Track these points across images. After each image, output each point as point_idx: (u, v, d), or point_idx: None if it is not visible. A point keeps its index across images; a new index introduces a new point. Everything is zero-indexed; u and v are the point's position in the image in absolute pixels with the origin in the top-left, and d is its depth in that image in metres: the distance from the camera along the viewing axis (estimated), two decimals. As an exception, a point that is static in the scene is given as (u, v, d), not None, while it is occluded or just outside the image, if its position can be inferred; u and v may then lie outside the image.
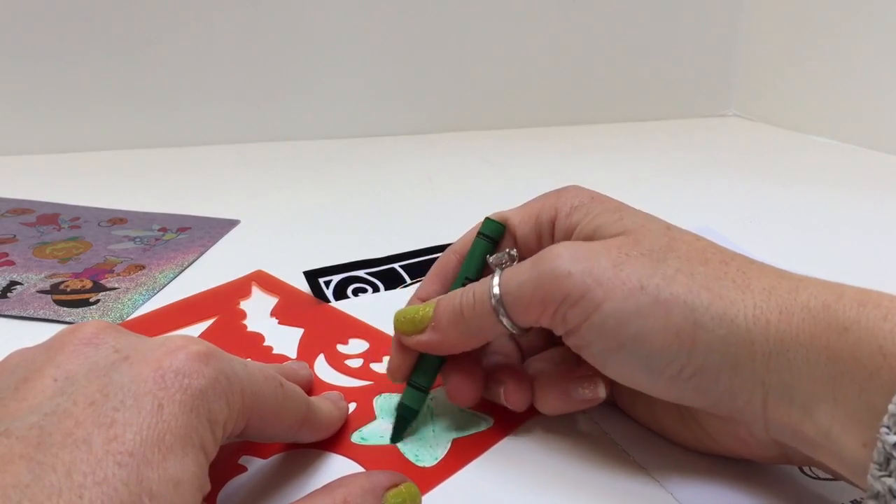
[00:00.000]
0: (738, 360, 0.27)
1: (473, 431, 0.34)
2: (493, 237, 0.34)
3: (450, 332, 0.32)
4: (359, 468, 0.31)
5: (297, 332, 0.42)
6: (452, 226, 0.60)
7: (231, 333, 0.42)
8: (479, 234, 0.34)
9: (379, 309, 0.45)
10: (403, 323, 0.33)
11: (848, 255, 0.57)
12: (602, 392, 0.32)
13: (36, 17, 0.80)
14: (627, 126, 1.05)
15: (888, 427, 0.22)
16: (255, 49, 0.89)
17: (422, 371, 0.34)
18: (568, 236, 0.33)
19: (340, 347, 0.41)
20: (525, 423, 0.34)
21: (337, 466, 0.31)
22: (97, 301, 0.46)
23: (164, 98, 0.87)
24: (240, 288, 0.48)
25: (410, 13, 0.93)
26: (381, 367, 0.39)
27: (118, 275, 0.50)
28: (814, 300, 0.26)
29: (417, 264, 0.52)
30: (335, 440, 0.33)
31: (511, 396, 0.33)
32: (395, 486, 0.27)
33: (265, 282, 0.49)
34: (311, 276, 0.49)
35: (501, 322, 0.30)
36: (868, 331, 0.24)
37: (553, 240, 0.34)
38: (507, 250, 0.33)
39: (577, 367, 0.33)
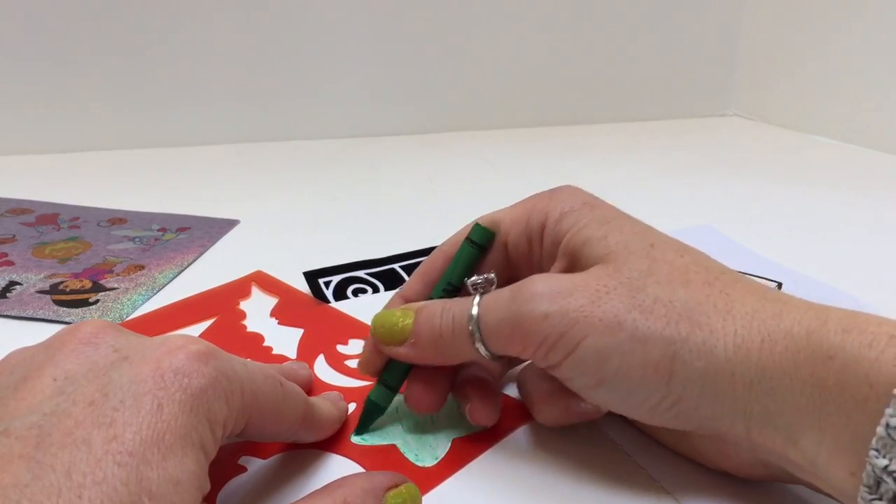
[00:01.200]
0: (718, 391, 0.26)
1: (473, 431, 0.34)
2: (482, 244, 0.34)
3: (427, 350, 0.32)
4: (359, 468, 0.31)
5: (297, 333, 0.42)
6: (452, 226, 0.59)
7: (231, 334, 0.42)
8: (468, 239, 0.34)
9: (378, 309, 0.45)
10: (381, 331, 0.33)
11: (848, 255, 0.57)
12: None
13: (36, 18, 0.80)
14: (627, 126, 1.05)
15: (877, 450, 0.22)
16: (255, 49, 0.89)
17: (392, 371, 0.34)
18: (557, 244, 0.32)
19: (340, 348, 0.41)
20: (525, 424, 0.34)
21: (337, 466, 0.31)
22: (96, 301, 0.46)
23: (164, 98, 0.87)
24: (239, 288, 0.48)
25: (410, 13, 0.93)
26: (381, 368, 0.39)
27: (118, 275, 0.50)
28: (797, 326, 0.25)
29: (417, 265, 0.51)
30: (335, 440, 0.33)
31: (476, 414, 0.33)
32: (396, 486, 0.27)
33: (265, 282, 0.49)
34: (311, 276, 0.49)
35: (478, 351, 0.30)
36: (853, 359, 0.23)
37: (542, 246, 0.33)
38: (485, 275, 0.32)
39: None
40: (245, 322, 0.44)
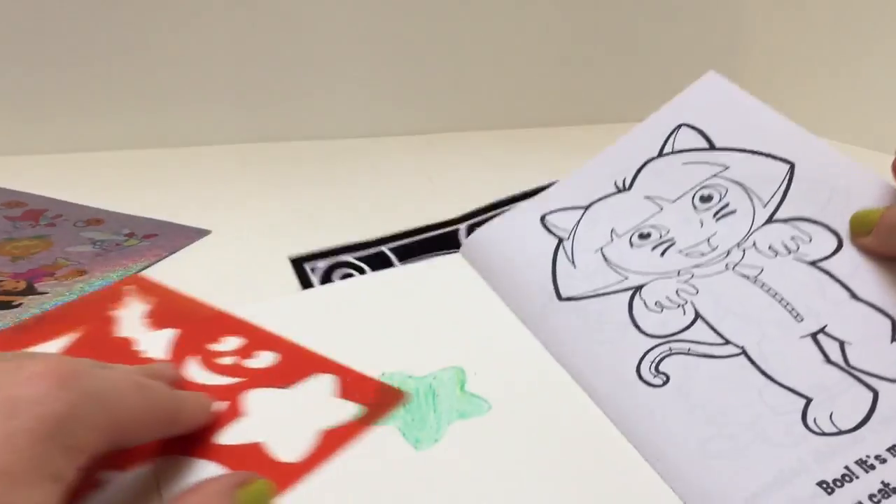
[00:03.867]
0: None
1: (474, 416, 0.34)
2: None
3: (888, 242, 0.36)
4: (223, 470, 0.31)
5: (169, 334, 0.42)
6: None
7: (100, 342, 0.41)
8: None
9: (365, 296, 0.44)
10: (856, 221, 0.38)
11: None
12: None
13: (34, 17, 0.80)
14: (627, 126, 1.02)
15: None
16: (253, 49, 0.89)
17: None
18: None
19: (213, 346, 0.40)
20: (524, 412, 0.34)
21: (201, 471, 0.31)
22: (19, 304, 0.45)
23: (164, 98, 0.87)
24: (112, 295, 0.47)
25: (410, 13, 0.93)
26: (253, 363, 0.38)
27: (57, 279, 0.49)
28: None
29: (407, 245, 0.51)
30: (198, 443, 0.32)
31: None
32: (247, 484, 0.26)
33: (142, 286, 0.48)
34: (297, 262, 0.48)
35: None
36: None
37: None
38: None
39: None
40: (115, 328, 0.43)
